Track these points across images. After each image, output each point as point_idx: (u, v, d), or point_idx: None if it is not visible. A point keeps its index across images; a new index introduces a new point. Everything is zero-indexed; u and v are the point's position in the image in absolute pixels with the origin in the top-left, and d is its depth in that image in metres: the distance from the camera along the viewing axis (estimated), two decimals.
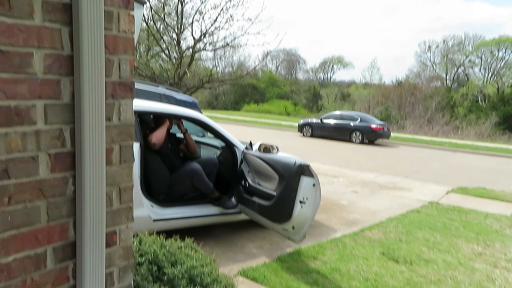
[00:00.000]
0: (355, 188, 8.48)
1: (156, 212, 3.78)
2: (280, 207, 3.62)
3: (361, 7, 72.07)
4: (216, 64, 48.03)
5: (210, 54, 13.62)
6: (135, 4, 1.83)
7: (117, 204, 1.42)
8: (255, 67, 12.83)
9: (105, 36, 1.31)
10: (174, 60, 11.92)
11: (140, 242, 2.16)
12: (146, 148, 3.98)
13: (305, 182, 3.44)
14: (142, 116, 4.04)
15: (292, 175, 3.51)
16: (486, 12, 63.29)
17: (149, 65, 11.73)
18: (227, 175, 4.54)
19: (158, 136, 3.97)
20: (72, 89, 1.24)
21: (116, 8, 1.36)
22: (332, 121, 19.19)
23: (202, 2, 11.56)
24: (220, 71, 16.49)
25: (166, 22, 11.87)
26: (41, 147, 1.19)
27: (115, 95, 1.40)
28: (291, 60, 58.22)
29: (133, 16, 1.43)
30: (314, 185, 3.46)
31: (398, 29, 68.40)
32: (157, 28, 11.86)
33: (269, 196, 3.79)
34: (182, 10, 11.91)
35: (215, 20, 11.65)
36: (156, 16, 11.60)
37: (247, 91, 47.89)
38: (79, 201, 1.26)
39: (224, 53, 50.33)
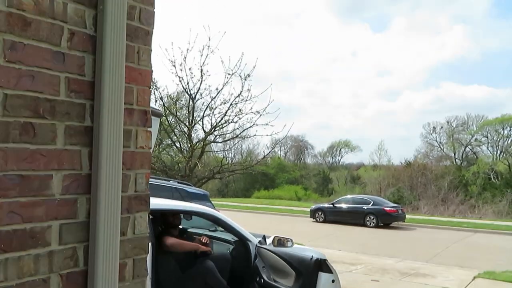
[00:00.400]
0: (374, 277, 8.09)
1: None
2: None
3: (362, 92, 75.18)
4: (226, 153, 49.02)
5: (221, 145, 14.02)
6: (152, 118, 1.93)
7: None
8: (264, 157, 13.06)
9: (123, 153, 1.36)
10: (185, 153, 12.22)
11: None
12: (158, 246, 3.91)
13: (323, 278, 3.29)
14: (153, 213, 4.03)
15: (309, 271, 3.38)
16: (484, 93, 65.40)
17: (160, 158, 12.00)
18: (240, 271, 4.37)
19: (178, 246, 3.96)
20: (88, 207, 1.26)
21: (135, 126, 1.43)
22: (344, 205, 18.94)
23: (212, 99, 12.18)
24: (230, 160, 16.79)
25: (178, 117, 12.40)
26: (54, 269, 1.18)
27: (131, 209, 1.41)
28: (299, 146, 59.28)
29: (150, 132, 1.50)
30: (333, 281, 3.31)
31: (402, 112, 70.41)
32: (168, 122, 12.36)
33: None
34: (194, 106, 12.50)
35: (225, 114, 12.17)
36: (168, 111, 12.16)
37: (257, 177, 48.03)
38: None
39: (234, 143, 51.62)
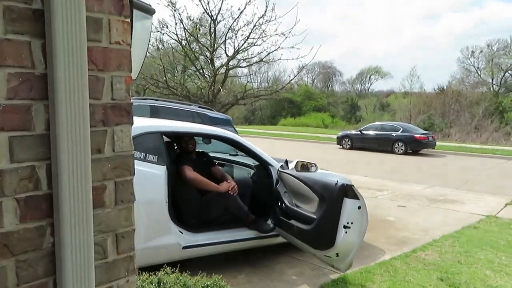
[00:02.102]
0: (401, 202, 7.92)
1: (185, 238, 3.53)
2: (322, 233, 3.26)
3: (399, 15, 70.47)
4: (252, 80, 48.31)
5: (246, 70, 13.49)
6: (142, 15, 1.59)
7: (114, 255, 1.15)
8: (290, 81, 12.54)
9: (91, 49, 1.06)
10: (208, 78, 11.87)
11: (159, 284, 1.89)
12: (176, 171, 3.76)
13: (349, 204, 3.07)
14: (168, 136, 3.84)
15: (334, 197, 3.15)
16: None
17: (184, 84, 11.73)
18: (262, 196, 4.23)
19: (198, 182, 3.76)
20: (47, 116, 0.99)
21: (106, 14, 1.11)
22: (372, 132, 18.51)
23: (235, 20, 11.49)
24: (256, 87, 16.34)
25: (201, 42, 11.87)
26: (6, 192, 0.94)
27: (107, 121, 1.14)
28: (327, 73, 57.57)
29: (129, 24, 1.18)
30: (359, 207, 3.09)
31: (439, 36, 66.09)
32: (190, 47, 11.88)
33: (309, 219, 3.44)
34: (215, 28, 11.88)
35: (248, 37, 11.53)
36: (191, 38, 11.63)
37: (284, 105, 47.60)
38: (59, 256, 0.99)
39: (259, 69, 50.58)
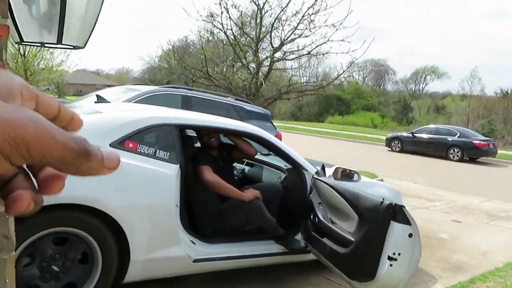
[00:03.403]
0: (456, 216, 7.01)
1: (197, 250, 3.01)
2: (360, 260, 2.62)
3: (460, 13, 66.43)
4: (300, 74, 47.39)
5: (294, 64, 12.81)
6: None
7: None
8: (338, 76, 11.75)
9: None
10: (251, 70, 11.35)
11: None
12: (192, 170, 3.25)
13: (397, 230, 2.41)
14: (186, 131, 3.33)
15: (378, 219, 2.50)
16: None
17: (226, 76, 11.29)
18: (293, 204, 3.63)
19: (217, 187, 3.21)
20: None
21: None
22: (425, 135, 17.24)
23: (282, 9, 10.86)
24: (304, 82, 15.65)
25: (246, 32, 11.36)
26: None
27: None
28: (379, 71, 55.43)
29: None
30: (410, 235, 2.41)
31: (504, 35, 61.56)
32: (235, 36, 11.40)
33: (346, 241, 2.81)
34: (261, 18, 11.32)
35: (296, 28, 10.87)
36: (237, 27, 11.15)
37: (332, 102, 46.31)
38: None
39: (309, 64, 49.51)
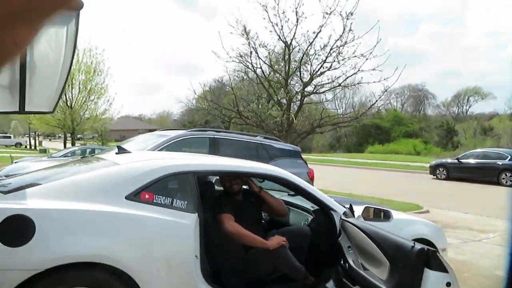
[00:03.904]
0: None
1: None
2: None
3: (501, 31, 64.37)
4: (336, 106, 47.12)
5: (328, 96, 12.68)
6: (61, 18, 1.00)
7: None
8: (371, 107, 11.49)
9: None
10: (283, 106, 11.34)
11: None
12: (213, 217, 3.14)
13: (432, 278, 2.16)
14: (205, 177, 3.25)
15: (410, 266, 2.26)
16: None
17: (258, 113, 11.33)
18: (322, 248, 3.40)
19: (239, 237, 3.08)
20: None
21: None
22: (473, 161, 16.35)
23: (310, 44, 10.90)
24: (340, 113, 15.41)
25: (274, 69, 11.46)
26: None
27: None
28: (418, 96, 54.11)
29: None
30: (448, 284, 2.15)
31: None
32: (264, 74, 11.52)
33: None
34: (290, 54, 11.41)
35: (324, 61, 10.84)
36: (265, 65, 11.30)
37: (371, 131, 45.41)
38: None
39: (344, 95, 49.24)
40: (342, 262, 3.06)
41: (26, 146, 45.08)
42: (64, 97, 23.07)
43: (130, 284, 2.48)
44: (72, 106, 23.39)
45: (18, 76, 0.96)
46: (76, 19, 1.04)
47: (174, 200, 2.80)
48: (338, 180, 15.16)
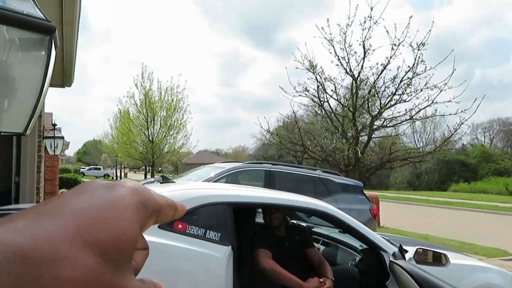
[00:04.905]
0: None
1: None
2: None
3: None
4: (416, 140, 44.77)
5: (397, 129, 12.05)
6: (32, 39, 1.05)
7: None
8: (447, 139, 10.69)
9: None
10: (350, 140, 11.00)
11: None
12: (250, 252, 3.02)
13: None
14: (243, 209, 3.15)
15: None
16: None
17: (322, 146, 11.10)
18: None
19: (274, 275, 2.89)
20: None
21: None
22: None
23: (378, 76, 10.60)
24: (415, 149, 14.49)
25: (340, 101, 11.28)
26: None
27: None
28: (509, 130, 49.55)
29: None
30: None
31: None
32: (331, 107, 11.35)
33: None
34: (357, 87, 11.17)
35: (394, 93, 10.43)
36: (332, 99, 11.18)
37: (455, 168, 42.18)
38: None
39: (424, 129, 46.71)
40: None
41: (113, 178, 48.67)
42: (146, 132, 24.81)
43: None
44: (153, 140, 24.97)
45: None
46: (49, 43, 1.06)
47: (207, 231, 2.74)
48: (414, 220, 14.11)
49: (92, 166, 51.37)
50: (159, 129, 25.23)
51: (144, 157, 25.79)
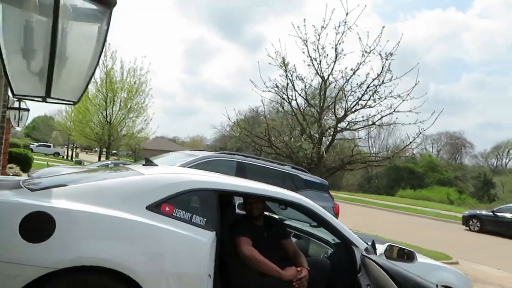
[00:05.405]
0: None
1: None
2: None
3: None
4: (370, 145, 46.39)
5: (361, 134, 12.52)
6: (86, 12, 1.07)
7: None
8: (404, 147, 11.23)
9: None
10: (314, 140, 11.27)
11: None
12: (231, 239, 3.10)
13: None
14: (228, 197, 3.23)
15: None
16: None
17: (288, 144, 11.31)
18: (340, 284, 3.28)
19: (255, 262, 2.99)
20: None
21: None
22: (509, 215, 15.55)
23: (346, 80, 10.91)
24: (372, 153, 15.13)
25: (308, 101, 11.50)
26: None
27: None
28: (455, 144, 52.60)
29: None
30: None
31: None
32: (299, 106, 11.57)
33: None
34: (325, 89, 11.44)
35: (360, 98, 10.79)
36: (300, 98, 11.38)
37: (403, 175, 44.24)
38: None
39: (378, 135, 48.52)
40: None
41: (63, 157, 46.71)
42: (104, 113, 23.99)
43: None
44: (111, 122, 24.20)
45: (47, 65, 1.01)
46: (108, 17, 1.08)
47: (194, 216, 2.79)
48: (366, 221, 14.75)
49: (41, 143, 48.98)
50: (118, 110, 24.43)
51: (100, 138, 24.95)
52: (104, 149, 27.04)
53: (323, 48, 10.76)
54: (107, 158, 26.17)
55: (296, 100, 11.76)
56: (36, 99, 1.07)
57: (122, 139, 26.59)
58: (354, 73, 10.67)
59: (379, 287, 2.81)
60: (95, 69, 1.06)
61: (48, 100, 1.05)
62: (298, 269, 3.06)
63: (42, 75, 0.99)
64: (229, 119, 11.90)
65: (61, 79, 1.05)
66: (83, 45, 1.06)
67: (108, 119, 24.07)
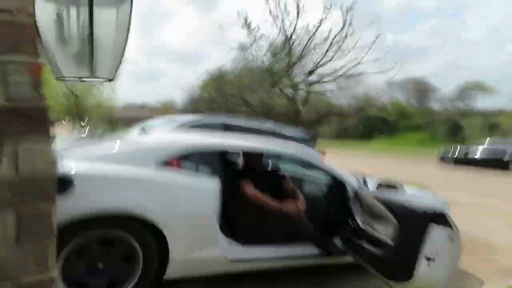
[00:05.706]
0: None
1: (235, 251, 3.15)
2: (397, 261, 2.66)
3: (508, 28, 63.79)
4: (341, 96, 46.99)
5: (332, 87, 12.86)
6: None
7: None
8: (374, 94, 11.72)
9: None
10: (289, 95, 11.59)
11: None
12: (235, 187, 3.44)
13: (436, 234, 2.45)
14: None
15: (416, 222, 2.56)
16: None
17: (265, 102, 11.60)
18: (333, 216, 3.68)
19: (257, 200, 3.39)
20: None
21: None
22: (481, 147, 16.59)
23: (310, 37, 11.15)
24: (345, 104, 15.52)
25: (277, 60, 11.73)
26: None
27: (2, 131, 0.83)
28: (422, 90, 53.84)
29: None
30: (449, 238, 2.45)
31: None
32: (268, 65, 11.78)
33: (384, 244, 2.84)
34: (291, 46, 11.65)
35: (325, 53, 11.09)
36: (269, 54, 11.56)
37: (376, 124, 45.37)
38: None
39: (348, 86, 49.13)
40: (351, 221, 3.34)
41: None
42: (69, 85, 23.17)
43: (158, 235, 2.78)
44: (74, 92, 23.51)
45: (87, 47, 1.22)
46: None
47: (199, 165, 3.14)
48: (349, 167, 15.33)
49: None
50: None
51: (68, 111, 24.35)
52: (81, 122, 26.38)
53: (284, 5, 10.88)
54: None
55: (263, 58, 11.92)
56: (83, 80, 1.27)
57: (91, 110, 26.06)
58: (317, 29, 10.88)
59: (370, 212, 3.20)
60: (124, 49, 1.26)
61: (87, 80, 1.25)
62: (298, 202, 3.45)
63: (83, 57, 1.20)
64: (198, 80, 11.88)
65: (98, 61, 1.26)
66: (111, 27, 1.26)
67: (71, 90, 23.40)
